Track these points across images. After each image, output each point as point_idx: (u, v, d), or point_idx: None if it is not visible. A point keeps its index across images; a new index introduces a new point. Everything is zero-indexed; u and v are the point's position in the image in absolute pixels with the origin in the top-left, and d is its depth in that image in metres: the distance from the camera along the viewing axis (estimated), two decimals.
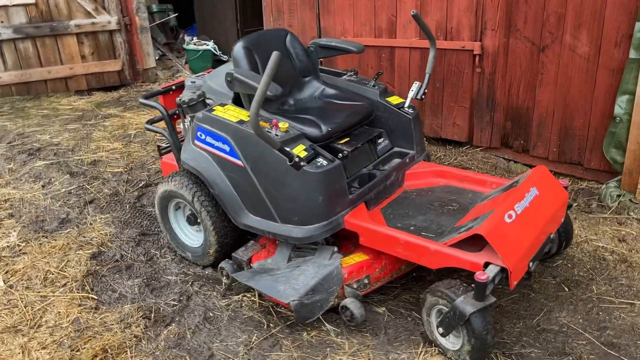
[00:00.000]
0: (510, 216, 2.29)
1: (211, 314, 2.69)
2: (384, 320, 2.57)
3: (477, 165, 4.07)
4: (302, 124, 2.71)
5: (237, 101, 2.90)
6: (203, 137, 2.79)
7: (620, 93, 3.46)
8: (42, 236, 3.40)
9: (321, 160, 2.53)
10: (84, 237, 3.39)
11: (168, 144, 3.50)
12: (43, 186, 4.07)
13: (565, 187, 2.65)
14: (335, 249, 2.60)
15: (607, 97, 3.55)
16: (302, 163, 2.42)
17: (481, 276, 2.06)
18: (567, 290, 2.71)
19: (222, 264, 2.80)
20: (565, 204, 2.58)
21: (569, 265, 2.89)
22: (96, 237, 3.37)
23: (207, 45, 7.16)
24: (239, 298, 2.78)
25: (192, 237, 3.12)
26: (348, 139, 2.83)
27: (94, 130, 5.24)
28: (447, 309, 2.20)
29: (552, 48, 3.67)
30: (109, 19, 6.62)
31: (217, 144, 2.73)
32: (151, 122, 3.30)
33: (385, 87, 3.13)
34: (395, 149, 3.06)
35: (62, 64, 6.55)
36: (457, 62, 4.11)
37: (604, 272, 2.82)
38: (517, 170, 4.02)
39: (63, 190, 3.99)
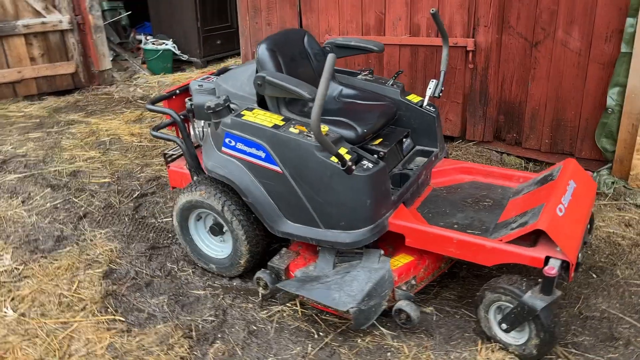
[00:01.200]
0: (560, 210, 2.36)
1: (254, 327, 2.58)
2: (433, 320, 2.57)
3: (472, 159, 4.17)
4: (336, 126, 2.65)
5: (261, 104, 2.80)
6: (233, 143, 2.67)
7: (612, 85, 3.65)
8: (41, 257, 3.13)
9: (366, 163, 2.48)
10: (88, 254, 3.16)
11: (175, 152, 3.33)
12: (23, 202, 3.75)
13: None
14: (382, 251, 2.57)
15: (598, 90, 3.73)
16: (353, 167, 2.37)
17: (550, 271, 2.10)
18: (595, 277, 2.83)
19: (260, 274, 2.69)
20: (594, 194, 2.69)
21: (589, 252, 3.02)
22: (102, 254, 3.15)
23: (167, 44, 6.87)
24: (279, 308, 2.69)
25: (215, 248, 2.98)
26: (381, 139, 2.80)
27: (61, 138, 4.89)
28: (512, 305, 2.23)
29: (545, 44, 3.81)
30: (60, 18, 6.20)
31: (250, 150, 2.62)
32: (157, 128, 3.12)
33: (403, 85, 3.13)
34: (418, 147, 3.06)
35: (9, 67, 6.06)
36: (449, 59, 4.17)
37: (623, 257, 2.97)
38: (511, 162, 4.15)
39: (48, 205, 3.70)
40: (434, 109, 3.03)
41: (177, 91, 3.29)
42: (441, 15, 4.10)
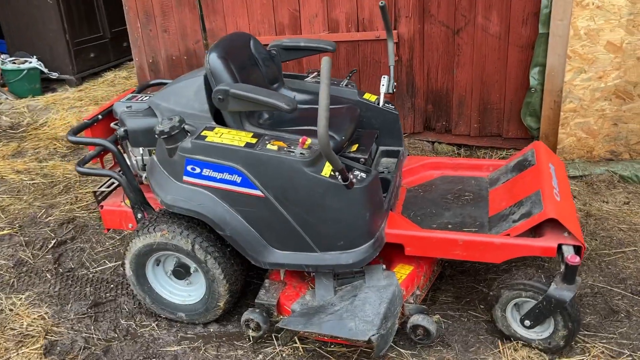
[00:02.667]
0: (556, 194, 2.34)
1: None
2: (442, 328, 2.43)
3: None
4: (310, 136, 2.38)
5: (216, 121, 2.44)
6: (197, 170, 2.28)
7: (533, 66, 3.79)
8: None
9: (358, 173, 2.26)
10: (14, 328, 2.56)
11: (105, 188, 2.82)
12: None
13: None
14: (384, 266, 2.37)
15: (519, 71, 3.86)
16: (354, 180, 2.13)
17: (574, 259, 2.06)
18: None
19: (249, 315, 2.35)
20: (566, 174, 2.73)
21: None
22: (32, 325, 2.57)
23: (31, 62, 5.98)
24: (276, 350, 2.37)
25: (181, 293, 2.56)
26: (357, 145, 2.58)
27: None
28: (534, 301, 2.15)
29: (466, 30, 3.85)
30: None
31: (221, 176, 2.26)
32: (83, 162, 2.61)
33: (355, 85, 2.94)
34: (381, 148, 2.90)
35: None
36: (372, 53, 4.07)
37: (583, 229, 3.07)
38: (443, 150, 4.17)
39: None
40: (393, 107, 2.89)
41: (100, 116, 2.79)
42: (361, 9, 3.98)
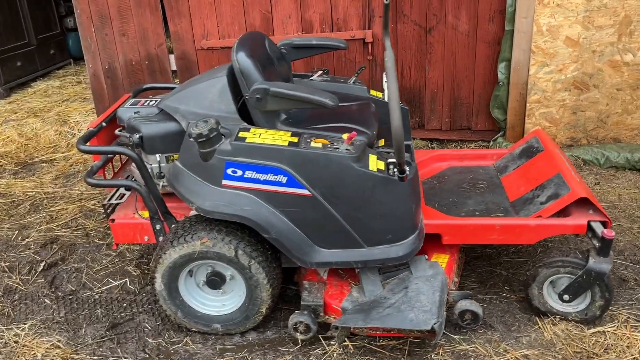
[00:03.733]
0: (577, 176, 2.51)
1: None
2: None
3: None
4: (345, 132, 2.38)
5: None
6: (238, 173, 2.20)
7: (500, 61, 4.03)
8: None
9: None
10: None
11: (115, 200, 2.63)
12: None
13: None
14: (426, 256, 2.41)
15: (487, 66, 4.09)
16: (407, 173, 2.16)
17: (609, 233, 2.22)
18: None
19: (298, 318, 2.29)
20: None
21: None
22: (48, 356, 2.34)
23: None
24: (325, 350, 2.33)
25: (214, 304, 2.44)
26: (384, 139, 2.61)
27: None
28: (573, 276, 2.29)
29: (438, 29, 4.01)
30: None
31: (265, 177, 2.19)
32: (92, 174, 2.42)
33: (362, 82, 2.96)
34: None
35: None
36: (347, 53, 4.12)
37: None
38: (417, 145, 4.30)
39: None
40: (401, 103, 2.94)
41: (104, 123, 2.60)
42: (335, 9, 4.01)
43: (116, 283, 2.78)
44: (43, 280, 2.82)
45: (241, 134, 2.24)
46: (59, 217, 3.37)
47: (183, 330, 2.47)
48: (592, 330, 2.34)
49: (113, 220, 2.54)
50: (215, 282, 2.38)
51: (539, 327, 2.38)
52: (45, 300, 2.67)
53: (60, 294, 2.72)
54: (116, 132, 2.61)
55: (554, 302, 2.41)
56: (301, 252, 2.26)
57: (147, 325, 2.51)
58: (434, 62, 4.10)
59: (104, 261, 2.96)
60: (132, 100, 2.71)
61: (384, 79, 3.03)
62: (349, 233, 2.25)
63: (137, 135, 2.45)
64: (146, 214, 2.52)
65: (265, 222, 2.21)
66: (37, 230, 3.24)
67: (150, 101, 2.69)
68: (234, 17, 4.12)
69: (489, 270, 2.80)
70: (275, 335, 2.44)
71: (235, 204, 2.21)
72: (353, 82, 2.92)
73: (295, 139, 2.23)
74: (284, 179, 2.19)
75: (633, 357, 2.18)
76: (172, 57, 4.34)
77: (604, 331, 2.33)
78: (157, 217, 2.45)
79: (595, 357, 2.20)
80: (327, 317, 2.35)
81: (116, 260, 2.96)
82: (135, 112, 2.57)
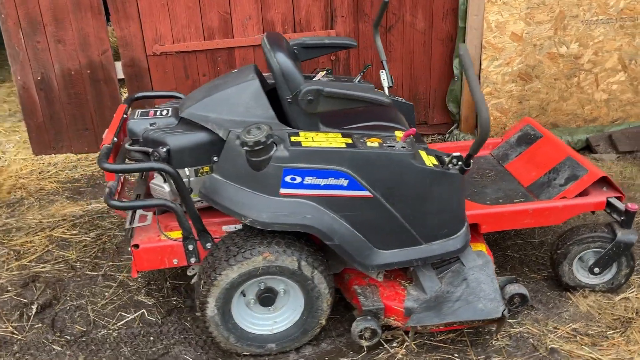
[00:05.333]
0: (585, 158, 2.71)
1: None
2: None
3: None
4: (384, 130, 2.35)
5: None
6: (297, 180, 2.07)
7: (455, 56, 4.24)
8: None
9: (444, 159, 2.30)
10: None
11: (134, 223, 2.34)
12: None
13: None
14: (471, 246, 2.45)
15: (441, 63, 4.28)
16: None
17: (633, 207, 2.43)
18: None
19: (364, 324, 2.21)
20: None
21: None
22: None
23: None
24: (389, 354, 2.28)
25: (265, 322, 2.28)
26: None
27: None
28: (602, 250, 2.47)
29: (397, 27, 4.11)
30: None
31: (325, 182, 2.09)
32: (112, 195, 2.15)
33: (367, 81, 2.94)
34: None
35: None
36: None
37: None
38: None
39: None
40: (404, 99, 2.98)
41: (115, 138, 2.31)
42: (298, 9, 3.93)
43: (132, 316, 2.49)
44: (41, 324, 2.43)
45: (293, 139, 2.12)
46: (27, 251, 2.93)
47: (231, 356, 2.28)
48: (618, 297, 2.54)
49: (137, 245, 2.26)
50: (269, 298, 2.22)
51: (573, 302, 2.55)
52: (54, 346, 2.31)
53: (69, 337, 2.37)
54: (126, 146, 2.34)
55: (582, 276, 2.58)
56: (362, 256, 2.20)
57: (187, 356, 2.28)
58: (394, 60, 4.19)
59: (107, 294, 2.62)
60: (140, 111, 2.43)
61: (382, 76, 3.05)
62: (408, 231, 2.23)
63: (164, 149, 2.20)
64: (174, 234, 2.29)
65: (328, 229, 2.11)
66: (6, 269, 2.79)
67: (162, 110, 2.43)
68: (189, 19, 3.87)
69: (502, 255, 2.93)
70: (330, 346, 2.35)
71: (297, 213, 2.08)
72: (358, 81, 2.88)
73: (349, 140, 2.16)
74: (345, 182, 2.10)
75: None
76: (118, 64, 3.97)
77: (628, 297, 2.55)
78: (191, 236, 2.23)
79: (632, 321, 2.39)
80: (387, 319, 2.30)
81: (120, 291, 2.65)
82: (151, 124, 2.32)
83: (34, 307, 2.51)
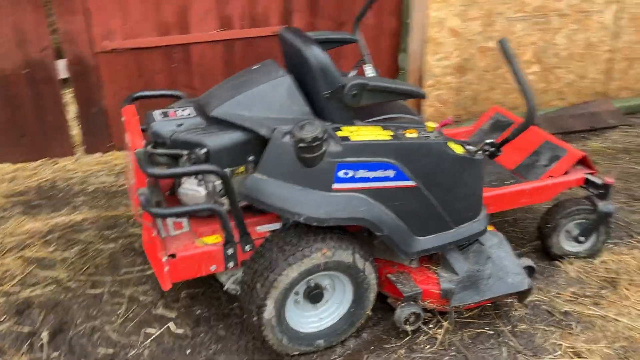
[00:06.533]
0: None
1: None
2: None
3: None
4: (405, 122, 2.44)
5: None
6: (350, 174, 2.09)
7: (401, 51, 4.46)
8: None
9: (467, 146, 2.46)
10: None
11: (176, 232, 2.20)
12: None
13: None
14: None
15: (389, 56, 4.47)
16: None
17: (610, 180, 2.77)
18: None
19: (408, 311, 2.30)
20: None
21: None
22: None
23: None
24: (429, 334, 2.39)
25: (312, 319, 2.28)
26: None
27: None
28: (587, 219, 2.79)
29: (349, 23, 4.20)
30: None
31: (374, 174, 2.13)
32: (149, 202, 2.01)
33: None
34: None
35: None
36: (268, 49, 4.01)
37: None
38: None
39: None
40: None
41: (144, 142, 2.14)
42: (256, 3, 3.86)
43: (158, 331, 2.33)
44: (58, 353, 2.18)
45: (339, 134, 2.13)
46: (3, 276, 2.59)
47: (280, 357, 2.23)
48: (597, 261, 2.89)
49: (174, 255, 2.12)
50: (318, 295, 2.22)
51: (562, 269, 2.85)
52: None
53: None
54: (148, 149, 2.17)
55: (568, 245, 2.89)
56: (406, 244, 2.28)
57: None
58: (347, 55, 4.28)
59: (120, 311, 2.42)
60: (160, 111, 2.27)
61: (367, 70, 3.13)
62: (442, 217, 2.34)
63: (202, 150, 2.09)
64: (209, 239, 2.19)
65: (378, 221, 2.16)
66: None
67: (183, 110, 2.29)
68: (144, 13, 3.63)
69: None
70: (370, 336, 2.40)
71: (352, 207, 2.10)
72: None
73: (391, 132, 2.22)
74: (392, 173, 2.16)
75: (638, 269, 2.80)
76: (61, 62, 3.61)
77: (604, 260, 2.90)
78: (233, 240, 2.15)
79: (616, 280, 2.74)
80: (425, 302, 2.41)
81: (134, 307, 2.45)
82: (178, 125, 2.18)
83: (44, 335, 2.24)
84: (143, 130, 2.27)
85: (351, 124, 2.26)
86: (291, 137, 2.04)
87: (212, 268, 2.21)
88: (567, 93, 5.06)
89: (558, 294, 2.67)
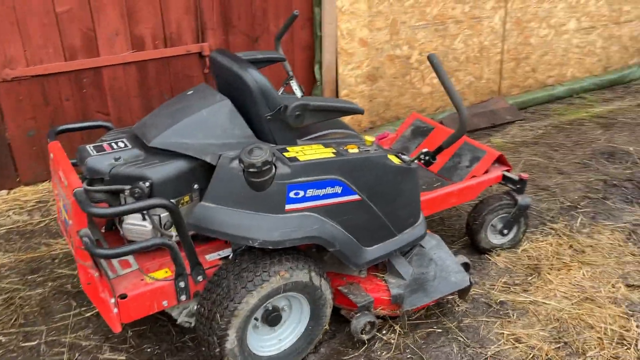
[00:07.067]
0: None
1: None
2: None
3: None
4: (345, 137, 2.50)
5: None
6: (301, 194, 2.11)
7: (316, 62, 4.54)
8: None
9: (402, 156, 2.56)
10: None
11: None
12: None
13: None
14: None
15: (305, 69, 4.54)
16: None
17: (525, 176, 3.02)
18: None
19: (363, 320, 2.35)
20: None
21: None
22: None
23: None
24: (383, 339, 2.47)
25: (271, 342, 2.27)
26: None
27: None
28: (509, 213, 3.02)
29: (263, 38, 4.22)
30: None
31: (324, 192, 2.17)
32: (93, 244, 1.91)
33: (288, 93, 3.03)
34: None
35: None
36: (184, 68, 3.92)
37: None
38: None
39: None
40: None
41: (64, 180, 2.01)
42: (168, 23, 3.75)
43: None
44: None
45: (287, 155, 2.14)
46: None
47: None
48: (519, 250, 3.14)
49: (124, 295, 2.02)
50: (277, 317, 2.21)
51: (491, 261, 3.06)
52: None
53: None
54: (85, 187, 2.04)
55: (494, 239, 3.11)
56: (355, 256, 2.33)
57: None
58: (263, 68, 4.28)
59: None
60: (92, 146, 2.14)
61: (294, 86, 3.17)
62: (386, 226, 2.43)
63: (146, 183, 2.01)
64: (158, 274, 2.12)
65: (330, 237, 2.20)
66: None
67: (117, 142, 2.18)
68: (46, 38, 3.40)
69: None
70: (328, 350, 2.43)
71: (304, 226, 2.13)
72: (281, 93, 2.96)
73: (333, 149, 2.26)
74: (339, 189, 2.22)
75: (556, 252, 3.07)
76: None
77: (525, 249, 3.16)
78: (184, 273, 2.09)
79: (539, 266, 2.99)
80: (376, 310, 2.48)
81: (77, 355, 2.29)
82: (116, 159, 2.07)
83: None
84: (74, 165, 2.14)
85: (294, 144, 2.28)
86: (240, 162, 2.02)
87: (164, 303, 2.13)
88: (467, 94, 5.43)
89: (492, 285, 2.86)
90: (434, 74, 5.10)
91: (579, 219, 3.46)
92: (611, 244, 3.20)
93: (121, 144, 2.18)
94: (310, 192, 2.13)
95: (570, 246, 3.17)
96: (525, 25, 5.45)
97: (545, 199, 3.74)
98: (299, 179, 2.10)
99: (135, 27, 3.65)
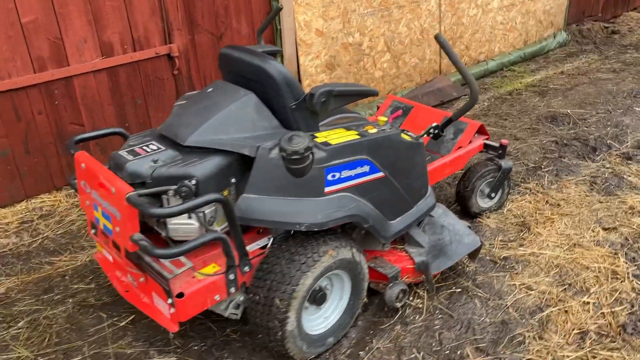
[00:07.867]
0: None
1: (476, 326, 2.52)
2: None
3: None
4: (353, 121, 2.63)
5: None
6: (337, 176, 2.22)
7: (277, 55, 4.59)
8: None
9: (409, 133, 2.72)
10: None
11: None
12: None
13: None
14: None
15: None
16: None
17: (505, 142, 3.29)
18: None
19: (397, 288, 2.51)
20: None
21: None
22: None
23: None
24: (415, 303, 2.63)
25: (318, 320, 2.37)
26: None
27: None
28: (495, 177, 3.28)
29: (227, 35, 4.23)
30: None
31: (355, 171, 2.29)
32: (153, 248, 1.93)
33: None
34: None
35: None
36: (154, 71, 3.85)
37: None
38: None
39: None
40: None
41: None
42: (135, 26, 3.68)
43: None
44: None
45: (318, 140, 2.24)
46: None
47: None
48: (505, 210, 3.42)
49: (181, 294, 2.04)
50: (323, 296, 2.32)
51: (484, 223, 3.31)
52: None
53: None
54: (135, 193, 2.01)
55: (483, 203, 3.37)
56: (384, 230, 2.48)
57: None
58: None
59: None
60: (126, 151, 2.12)
61: None
62: (405, 199, 2.60)
63: (192, 182, 2.04)
64: (207, 270, 2.15)
65: (365, 214, 2.33)
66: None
67: (149, 145, 2.17)
68: (13, 50, 3.23)
69: None
70: (365, 322, 2.56)
71: (343, 206, 2.24)
72: None
73: (355, 131, 2.39)
74: (367, 168, 2.35)
75: (537, 208, 3.38)
76: None
77: (510, 209, 3.45)
78: (234, 265, 2.14)
79: (527, 220, 3.29)
80: (404, 278, 2.64)
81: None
82: (154, 161, 2.07)
83: None
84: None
85: (318, 130, 2.38)
86: (281, 151, 2.09)
87: (217, 297, 2.17)
88: (413, 75, 5.71)
89: (491, 244, 3.11)
90: (384, 59, 5.33)
91: (546, 177, 3.81)
92: (579, 195, 3.56)
93: (153, 147, 2.18)
94: (345, 173, 2.25)
95: (547, 202, 3.50)
96: (457, 6, 5.80)
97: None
98: (334, 162, 2.21)
99: (103, 33, 3.55)
